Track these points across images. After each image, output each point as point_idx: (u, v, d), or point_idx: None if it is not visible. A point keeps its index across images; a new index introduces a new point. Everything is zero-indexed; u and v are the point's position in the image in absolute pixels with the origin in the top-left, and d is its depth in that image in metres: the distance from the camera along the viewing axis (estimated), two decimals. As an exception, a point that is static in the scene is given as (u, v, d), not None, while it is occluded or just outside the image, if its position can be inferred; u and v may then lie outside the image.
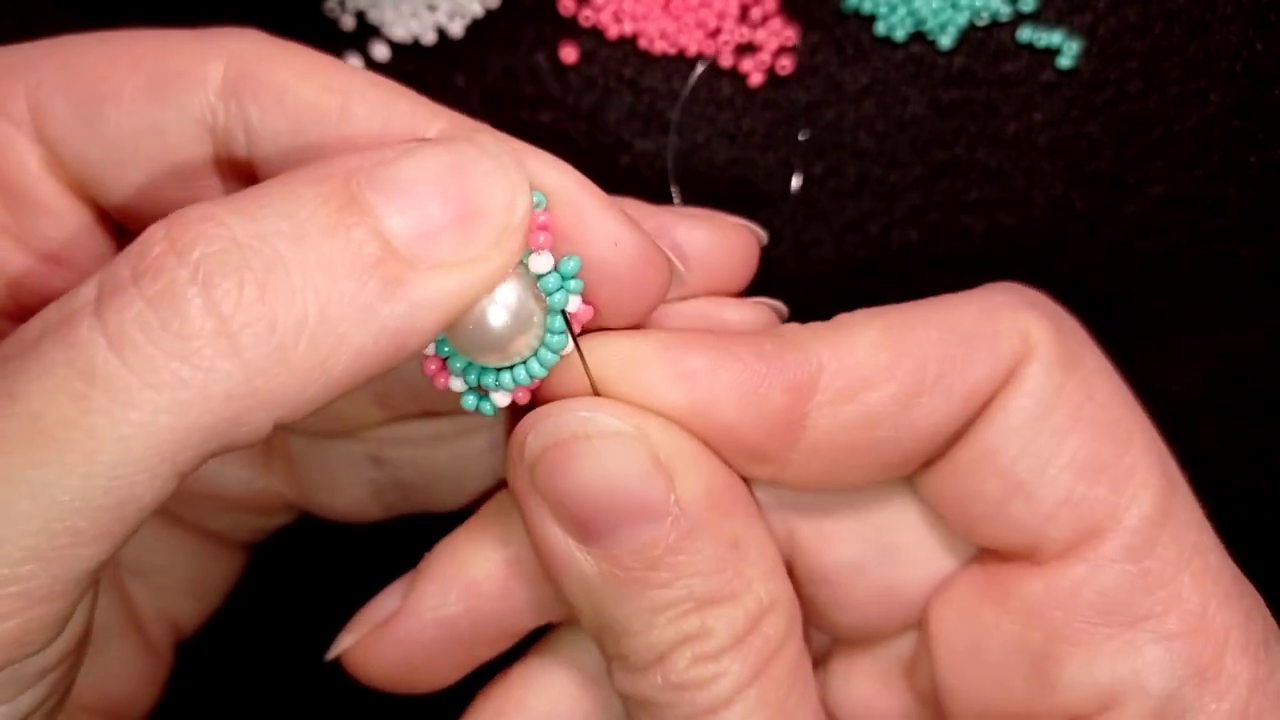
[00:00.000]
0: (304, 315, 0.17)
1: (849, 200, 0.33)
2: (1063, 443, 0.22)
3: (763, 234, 0.26)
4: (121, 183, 0.23)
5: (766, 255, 0.34)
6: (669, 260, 0.23)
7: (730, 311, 0.25)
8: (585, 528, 0.21)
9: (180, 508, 0.29)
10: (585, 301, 0.22)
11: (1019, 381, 0.22)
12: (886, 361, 0.22)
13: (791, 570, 0.25)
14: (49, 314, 0.18)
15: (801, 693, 0.22)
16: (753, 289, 0.34)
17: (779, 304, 0.26)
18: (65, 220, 0.23)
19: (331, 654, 0.26)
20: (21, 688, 0.18)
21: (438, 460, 0.29)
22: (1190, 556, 0.23)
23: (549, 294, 0.21)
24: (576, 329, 0.22)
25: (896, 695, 0.26)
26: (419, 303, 0.18)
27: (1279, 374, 0.34)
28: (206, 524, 0.30)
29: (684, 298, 0.25)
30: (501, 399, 0.21)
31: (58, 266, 0.23)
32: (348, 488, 0.30)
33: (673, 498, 0.21)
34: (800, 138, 0.29)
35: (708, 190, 0.33)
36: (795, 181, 0.25)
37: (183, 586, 0.30)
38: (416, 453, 0.29)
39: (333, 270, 0.17)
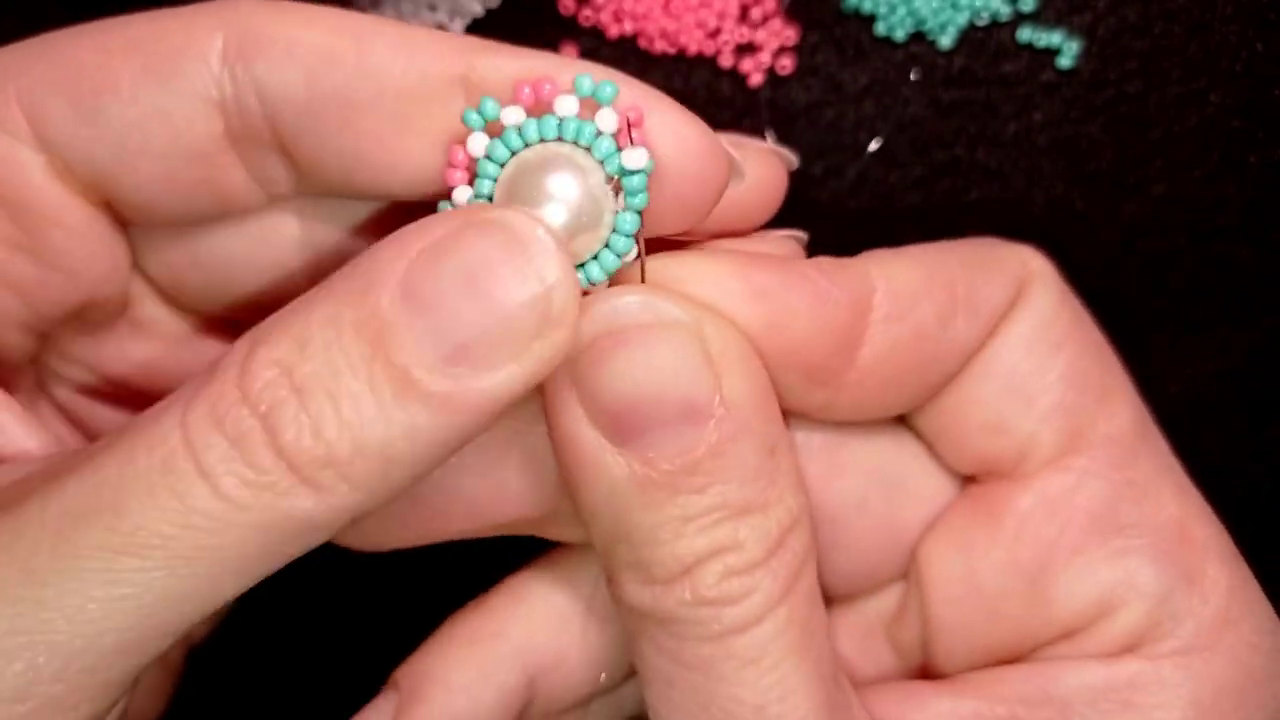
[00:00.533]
0: (354, 445, 0.19)
1: (849, 200, 0.33)
2: (1058, 355, 0.24)
3: (793, 159, 0.26)
4: (134, 177, 0.22)
5: (766, 255, 0.34)
6: (732, 160, 0.22)
7: (758, 246, 0.25)
8: (624, 426, 0.21)
9: None
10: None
11: (1026, 299, 0.24)
12: (924, 284, 0.23)
13: None
14: (134, 429, 0.19)
15: (821, 615, 0.22)
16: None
17: (800, 234, 0.26)
18: (78, 230, 0.23)
19: None
20: None
21: None
22: (1166, 471, 0.24)
23: (630, 194, 0.20)
24: (641, 242, 0.21)
25: (874, 653, 0.26)
26: (462, 410, 0.19)
27: (1279, 374, 0.34)
28: None
29: (712, 234, 0.24)
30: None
31: (73, 277, 0.23)
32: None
33: (718, 398, 0.21)
34: (872, 147, 0.29)
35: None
36: (874, 144, 0.25)
37: None
38: None
39: (376, 401, 0.19)
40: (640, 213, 0.20)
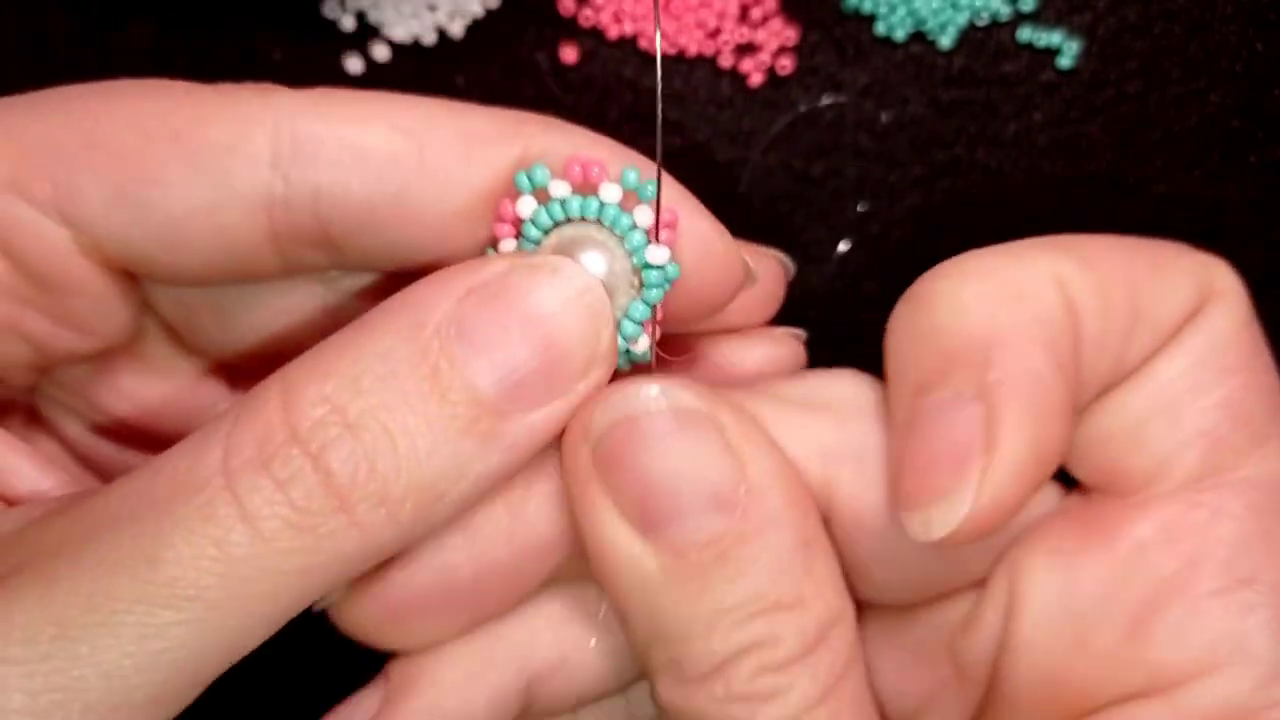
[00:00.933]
0: (409, 481, 0.19)
1: (849, 200, 0.33)
2: (1224, 381, 0.22)
3: (790, 266, 0.27)
4: (170, 265, 0.22)
5: (766, 255, 0.34)
6: (748, 268, 0.23)
7: (759, 348, 0.26)
8: (651, 513, 0.20)
9: None
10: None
11: (1206, 314, 0.23)
12: (1112, 292, 0.22)
13: (830, 528, 0.24)
14: (167, 471, 0.19)
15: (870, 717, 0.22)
16: (753, 289, 0.34)
17: (800, 331, 0.27)
18: (98, 297, 0.22)
19: None
20: None
21: None
22: None
23: (648, 287, 0.21)
24: (669, 236, 0.22)
25: (931, 668, 0.25)
26: (512, 446, 0.20)
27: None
28: None
29: (720, 329, 0.25)
30: None
31: (88, 334, 0.23)
32: None
33: (744, 487, 0.21)
34: (860, 209, 0.30)
35: (708, 191, 0.33)
36: (842, 246, 0.25)
37: None
38: None
39: (431, 437, 0.19)
40: (653, 305, 0.21)
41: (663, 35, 0.32)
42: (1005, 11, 0.32)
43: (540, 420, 0.20)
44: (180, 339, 0.26)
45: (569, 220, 0.21)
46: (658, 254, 0.21)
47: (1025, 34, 0.32)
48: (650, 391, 0.21)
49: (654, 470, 0.20)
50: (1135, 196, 0.32)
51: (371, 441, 0.19)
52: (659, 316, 0.22)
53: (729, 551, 0.20)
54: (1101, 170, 0.32)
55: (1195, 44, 0.31)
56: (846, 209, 0.33)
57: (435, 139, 0.21)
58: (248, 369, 0.26)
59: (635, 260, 0.21)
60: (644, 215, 0.21)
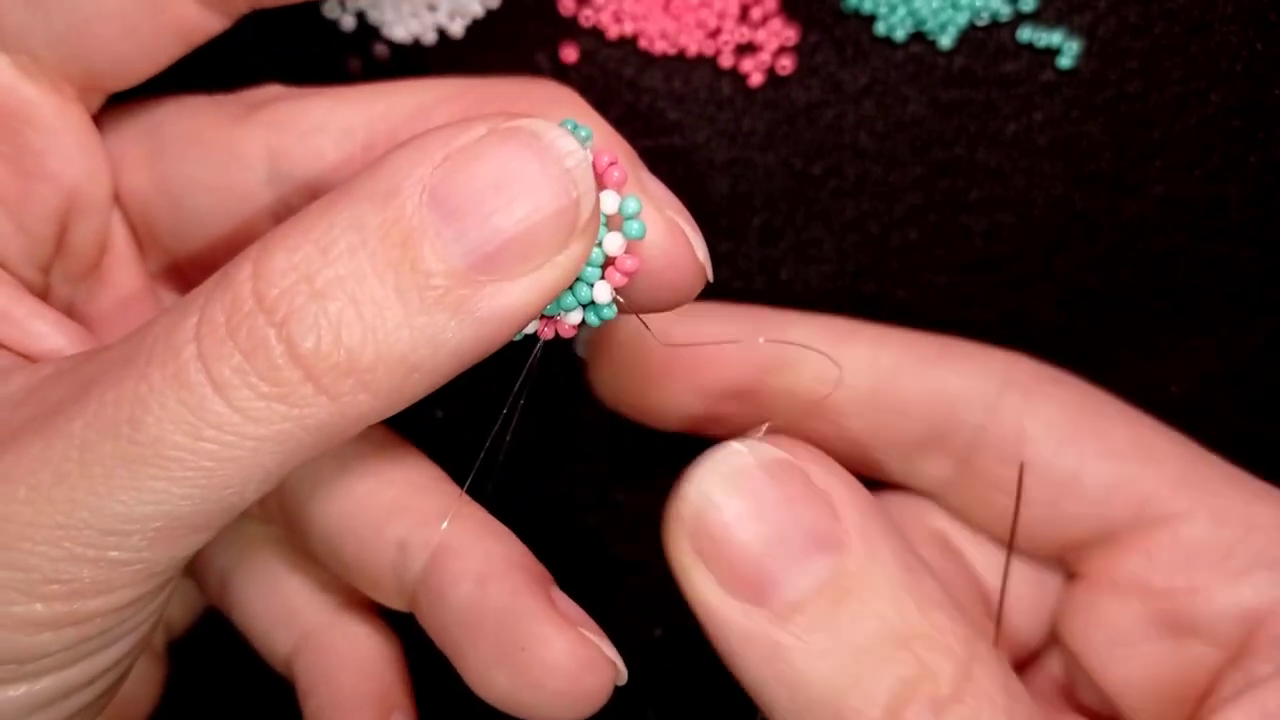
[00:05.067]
0: (376, 352, 0.19)
1: (849, 200, 0.33)
2: (1086, 443, 0.26)
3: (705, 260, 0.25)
4: (96, 42, 0.23)
5: (766, 255, 0.34)
6: (703, 269, 0.23)
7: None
8: (759, 580, 0.20)
9: None
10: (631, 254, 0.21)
11: (1029, 411, 0.27)
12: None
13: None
14: (149, 337, 0.19)
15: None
16: (753, 290, 0.34)
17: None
18: (53, 127, 0.24)
19: None
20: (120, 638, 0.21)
21: None
22: (1218, 485, 0.26)
23: (612, 232, 0.21)
24: (623, 280, 0.21)
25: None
26: (487, 319, 0.19)
27: (1279, 374, 0.34)
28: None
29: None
30: (531, 326, 0.21)
31: (54, 181, 0.24)
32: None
33: (838, 524, 0.20)
34: None
35: (708, 190, 0.33)
36: None
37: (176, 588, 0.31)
38: None
39: (400, 306, 0.19)
40: (611, 255, 0.21)
41: (663, 35, 0.32)
42: (1005, 11, 0.31)
43: (519, 292, 0.19)
44: (142, 237, 0.27)
45: None
46: (607, 201, 0.21)
47: (1025, 34, 0.32)
48: (738, 449, 0.20)
49: (750, 537, 0.20)
50: (1135, 196, 0.32)
51: (337, 311, 0.18)
52: (635, 268, 0.21)
53: (847, 588, 0.20)
54: (1101, 170, 0.32)
55: (1195, 44, 0.31)
56: (846, 209, 0.33)
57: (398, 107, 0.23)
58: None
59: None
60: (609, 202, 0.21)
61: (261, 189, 0.25)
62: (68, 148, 0.24)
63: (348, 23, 0.33)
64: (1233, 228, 0.33)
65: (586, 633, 0.24)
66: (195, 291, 0.20)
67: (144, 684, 0.30)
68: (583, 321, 0.21)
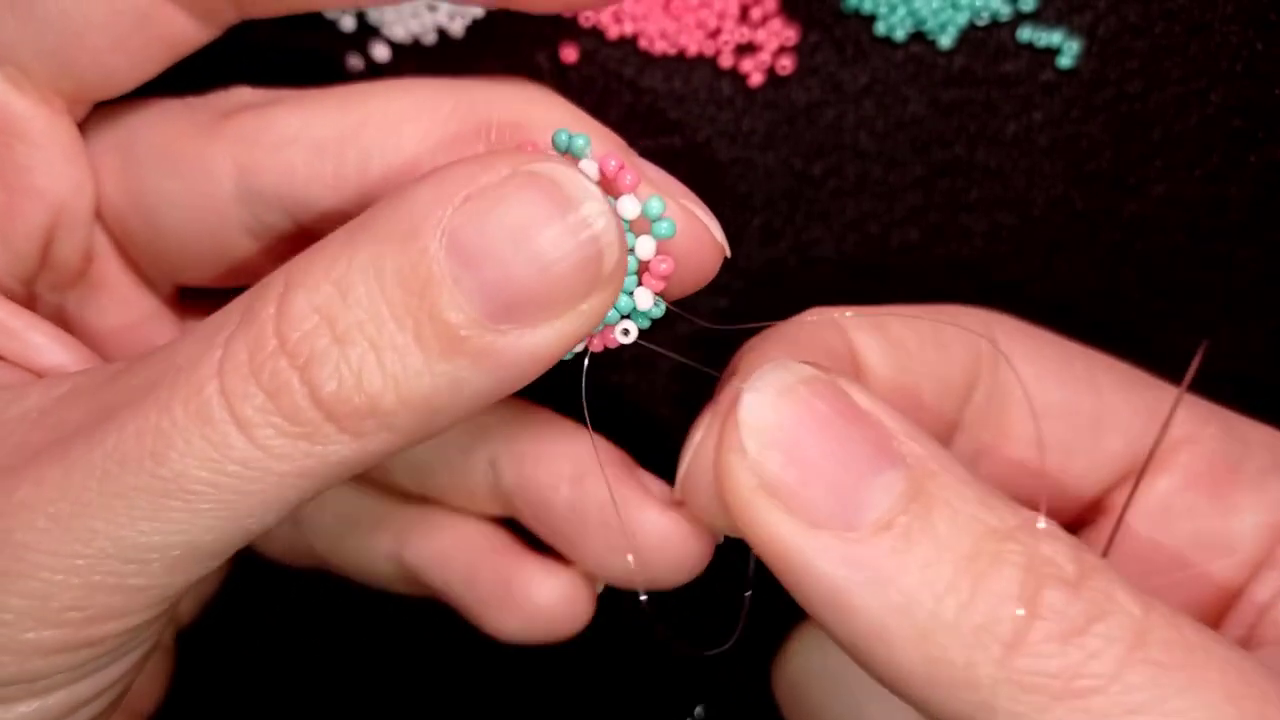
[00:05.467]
0: (398, 396, 0.19)
1: (849, 200, 0.33)
2: (1097, 382, 0.26)
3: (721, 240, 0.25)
4: (85, 54, 0.23)
5: (766, 255, 0.34)
6: (721, 247, 0.23)
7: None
8: (841, 504, 0.18)
9: None
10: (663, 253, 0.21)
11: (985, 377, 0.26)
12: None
13: None
14: (173, 366, 0.19)
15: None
16: (752, 291, 0.34)
17: None
18: (40, 142, 0.24)
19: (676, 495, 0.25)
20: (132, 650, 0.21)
21: None
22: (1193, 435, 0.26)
23: (646, 236, 0.21)
24: (661, 284, 0.21)
25: None
26: (509, 365, 0.19)
27: (1279, 374, 0.34)
28: None
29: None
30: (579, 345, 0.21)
31: (40, 197, 0.24)
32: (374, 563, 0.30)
33: (896, 439, 0.19)
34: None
35: (708, 191, 0.33)
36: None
37: None
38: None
39: (420, 353, 0.18)
40: (644, 259, 0.21)
41: (663, 35, 0.32)
42: (1005, 11, 0.31)
43: (540, 339, 0.19)
44: (139, 269, 0.27)
45: None
46: (627, 206, 0.20)
47: (1025, 34, 0.32)
48: (777, 374, 0.20)
49: (816, 457, 0.19)
50: (1135, 196, 0.32)
51: (358, 358, 0.18)
52: (670, 271, 0.21)
53: (931, 495, 0.18)
54: (1101, 170, 0.32)
55: (1195, 44, 0.31)
56: (846, 209, 0.33)
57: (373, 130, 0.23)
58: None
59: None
60: (589, 168, 0.21)
61: (231, 205, 0.24)
62: (55, 162, 0.24)
63: (348, 23, 0.33)
64: (1233, 228, 0.33)
65: (675, 513, 0.25)
66: (217, 320, 0.20)
67: (151, 677, 0.30)
68: (628, 329, 0.22)
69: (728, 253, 0.23)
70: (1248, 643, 0.24)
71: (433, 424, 0.19)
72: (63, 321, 0.26)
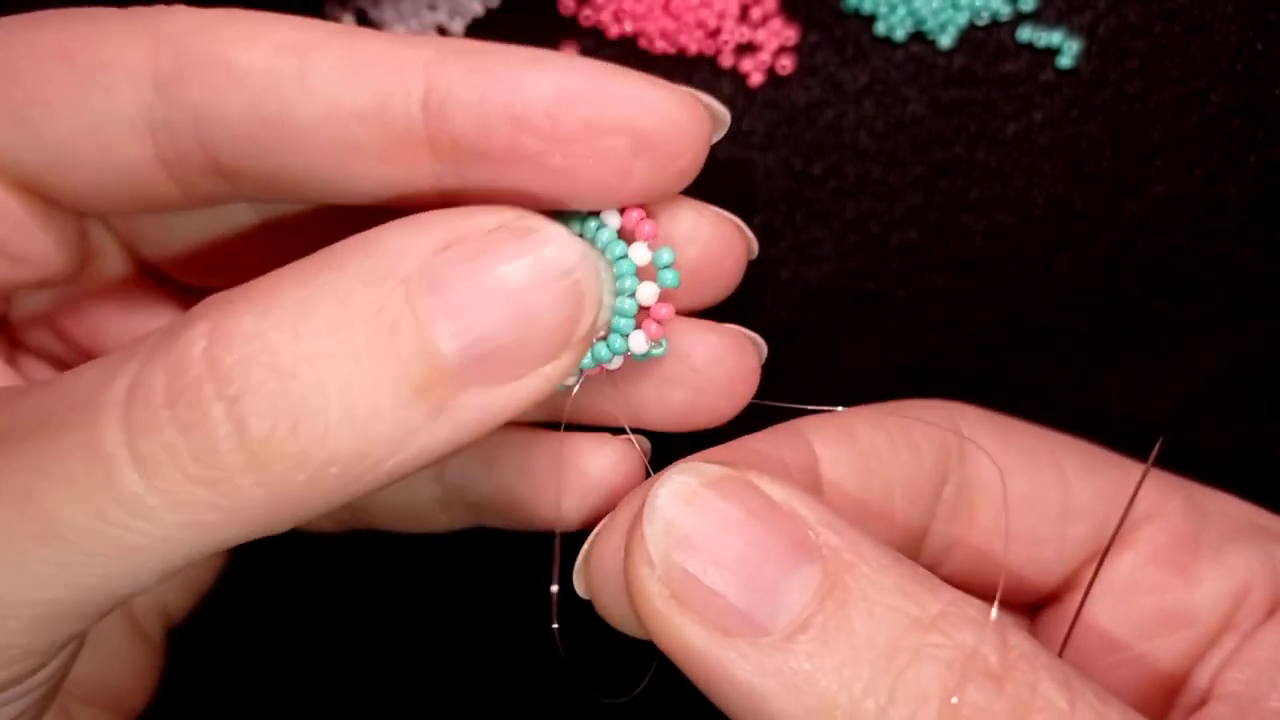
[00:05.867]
0: (338, 450, 0.17)
1: (849, 200, 0.33)
2: (1061, 468, 0.26)
3: (753, 244, 0.25)
4: (67, 184, 0.21)
5: (766, 255, 0.34)
6: (746, 239, 0.23)
7: (711, 338, 0.24)
8: (751, 608, 0.18)
9: None
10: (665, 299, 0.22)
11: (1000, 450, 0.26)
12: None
13: None
14: (69, 393, 0.17)
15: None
16: (753, 292, 0.34)
17: (756, 337, 0.25)
18: (19, 222, 0.21)
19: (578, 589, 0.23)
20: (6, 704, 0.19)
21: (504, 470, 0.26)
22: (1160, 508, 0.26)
23: (621, 277, 0.21)
24: (660, 331, 0.22)
25: None
26: (464, 422, 0.18)
27: (1279, 374, 0.34)
28: None
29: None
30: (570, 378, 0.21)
31: (20, 264, 0.22)
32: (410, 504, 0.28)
33: (810, 530, 0.18)
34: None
35: (708, 190, 0.33)
36: None
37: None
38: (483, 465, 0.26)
39: (377, 398, 0.17)
40: (645, 307, 0.21)
41: (663, 35, 0.32)
42: (1005, 11, 0.31)
43: (500, 399, 0.18)
44: (127, 243, 0.25)
45: None
46: (639, 253, 0.21)
47: (1025, 34, 0.32)
48: (676, 479, 0.19)
49: (727, 561, 0.18)
50: (1135, 196, 0.32)
51: (301, 395, 0.16)
52: (666, 316, 0.22)
53: (847, 589, 0.18)
54: (1101, 170, 0.32)
55: (1195, 44, 0.31)
56: (846, 209, 0.33)
57: (320, 59, 0.19)
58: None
59: (616, 267, 0.21)
60: (611, 218, 0.21)
61: (137, 126, 0.20)
62: (33, 238, 0.22)
63: (348, 22, 0.33)
64: (1233, 228, 0.33)
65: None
66: (132, 347, 0.17)
67: (139, 674, 0.29)
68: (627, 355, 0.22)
69: (753, 253, 0.24)
70: (1203, 701, 0.24)
71: (362, 482, 0.17)
72: (56, 326, 0.26)
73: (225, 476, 0.16)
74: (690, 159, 0.20)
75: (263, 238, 0.25)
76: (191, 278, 0.26)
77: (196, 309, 0.17)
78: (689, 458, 0.21)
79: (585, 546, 0.22)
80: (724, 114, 0.21)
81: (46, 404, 0.17)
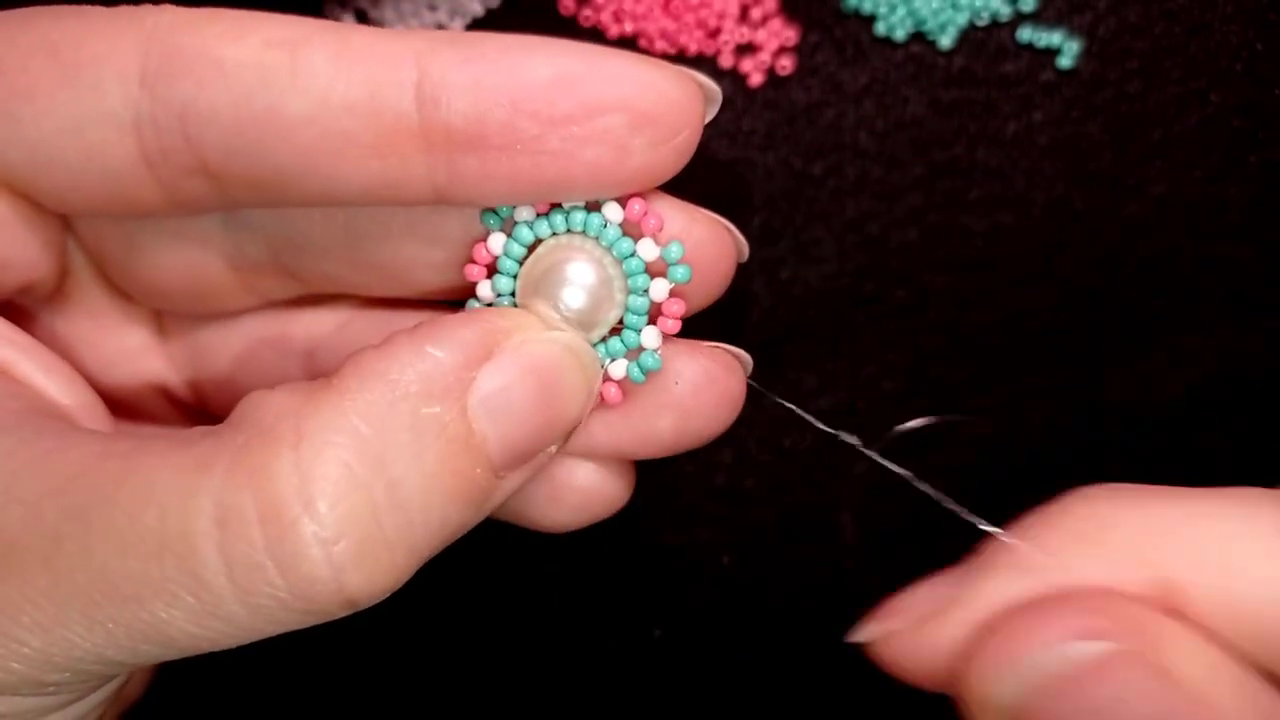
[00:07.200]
0: (406, 553, 0.19)
1: (849, 200, 0.33)
2: None
3: (744, 246, 0.24)
4: (49, 182, 0.21)
5: (767, 255, 0.34)
6: (736, 237, 0.23)
7: (698, 361, 0.23)
8: None
9: None
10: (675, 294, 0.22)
11: None
12: None
13: None
14: (160, 509, 0.18)
15: None
16: (753, 290, 0.34)
17: (743, 354, 0.24)
18: (2, 221, 0.21)
19: (858, 638, 0.21)
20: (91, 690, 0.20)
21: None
22: None
23: (631, 275, 0.21)
24: (676, 326, 0.22)
25: None
26: (497, 501, 0.20)
27: (1279, 374, 0.34)
28: None
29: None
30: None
31: (3, 268, 0.22)
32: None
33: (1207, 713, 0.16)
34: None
35: (708, 190, 0.33)
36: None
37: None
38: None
39: (443, 510, 0.19)
40: (656, 304, 0.22)
41: (663, 35, 0.32)
42: (1005, 11, 0.31)
43: (522, 478, 0.20)
44: (119, 291, 0.25)
45: (540, 241, 0.21)
46: (646, 249, 0.21)
47: (1025, 34, 0.32)
48: (1075, 647, 0.16)
49: None
50: (1135, 196, 0.32)
51: (394, 528, 0.18)
52: (679, 312, 0.22)
53: None
54: (1101, 170, 0.32)
55: (1195, 44, 0.31)
56: (846, 209, 0.33)
57: (310, 52, 0.19)
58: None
59: (616, 253, 0.21)
60: (613, 211, 0.21)
61: (123, 124, 0.20)
62: (16, 240, 0.22)
63: (347, 21, 0.33)
64: (1233, 228, 0.33)
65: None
66: (207, 451, 0.18)
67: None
68: (625, 376, 0.22)
69: (744, 256, 0.23)
70: None
71: (398, 567, 0.19)
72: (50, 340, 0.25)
73: (313, 593, 0.18)
74: (688, 135, 0.21)
75: (228, 271, 0.24)
76: (155, 303, 0.26)
77: (275, 432, 0.18)
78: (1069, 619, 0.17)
79: (898, 622, 0.20)
80: (715, 90, 0.22)
81: (127, 515, 0.18)
